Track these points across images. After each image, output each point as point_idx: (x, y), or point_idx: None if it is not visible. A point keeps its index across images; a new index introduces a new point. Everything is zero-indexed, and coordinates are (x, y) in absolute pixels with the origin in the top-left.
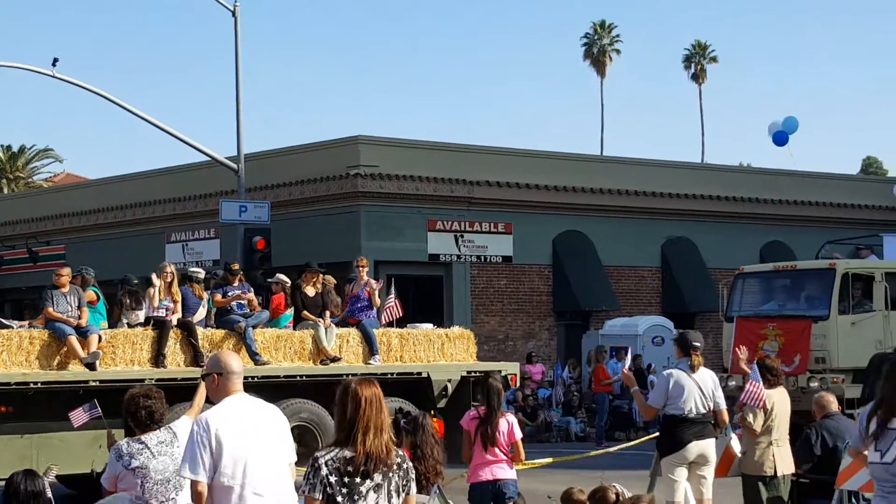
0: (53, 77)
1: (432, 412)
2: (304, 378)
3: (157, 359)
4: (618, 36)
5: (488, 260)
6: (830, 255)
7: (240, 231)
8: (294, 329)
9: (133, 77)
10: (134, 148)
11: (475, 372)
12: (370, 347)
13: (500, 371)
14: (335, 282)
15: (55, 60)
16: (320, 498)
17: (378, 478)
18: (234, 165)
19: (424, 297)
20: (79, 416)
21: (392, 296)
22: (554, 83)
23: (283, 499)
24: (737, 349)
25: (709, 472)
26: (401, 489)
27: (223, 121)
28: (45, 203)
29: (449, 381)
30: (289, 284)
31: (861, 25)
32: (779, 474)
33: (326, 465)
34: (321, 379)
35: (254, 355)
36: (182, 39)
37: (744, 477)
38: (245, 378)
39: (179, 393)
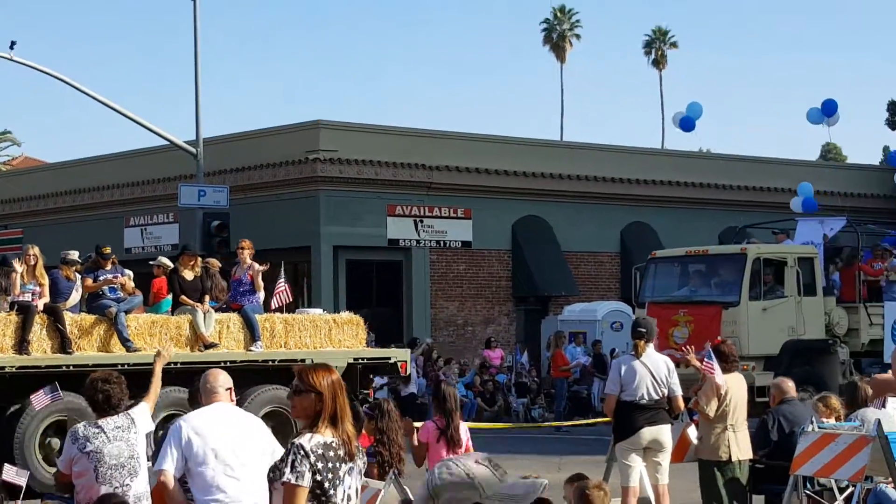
0: (11, 60)
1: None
2: (179, 365)
3: (21, 345)
4: (578, 21)
5: (448, 245)
6: (749, 239)
7: (199, 215)
8: (172, 314)
9: (92, 61)
10: (92, 132)
11: (363, 359)
12: (252, 333)
13: (389, 358)
14: (220, 265)
15: (13, 43)
16: (308, 485)
17: (350, 462)
18: (193, 149)
19: (384, 283)
20: (40, 399)
21: (282, 280)
22: (514, 68)
23: (257, 484)
24: (686, 346)
25: (664, 457)
26: (362, 472)
27: (182, 105)
28: (2, 187)
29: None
30: (170, 268)
31: (820, 12)
32: (735, 459)
33: (313, 451)
34: (198, 366)
35: (125, 341)
36: (141, 23)
37: (700, 462)
38: (115, 365)
39: (44, 381)
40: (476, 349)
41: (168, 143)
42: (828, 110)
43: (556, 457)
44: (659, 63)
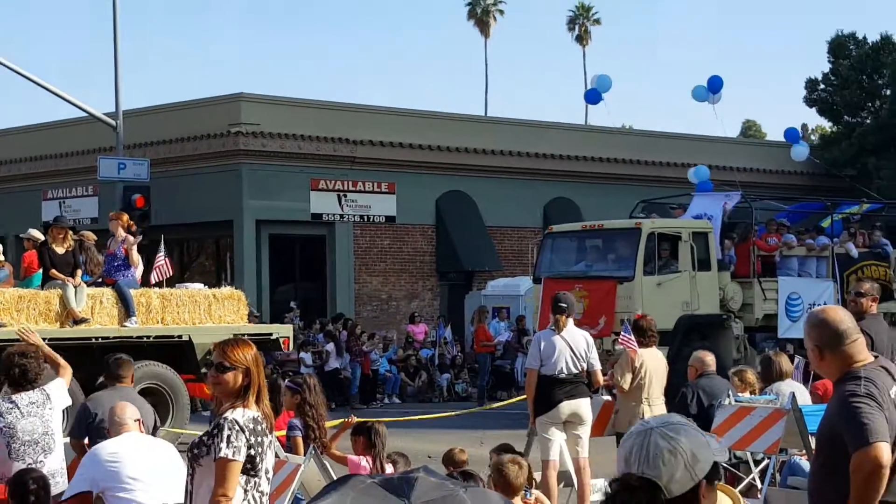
0: None
1: (194, 376)
2: (48, 342)
3: None
4: None
5: (371, 220)
6: (648, 214)
7: (118, 188)
8: (42, 289)
9: (8, 30)
10: (9, 103)
11: (243, 335)
12: (126, 309)
13: (271, 334)
14: (95, 238)
15: None
16: (242, 460)
17: (270, 436)
18: (113, 122)
19: (307, 257)
20: None
21: (161, 254)
22: (438, 43)
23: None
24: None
25: (584, 431)
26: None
27: (102, 76)
28: None
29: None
30: (41, 241)
31: None
32: None
33: (246, 426)
34: (67, 342)
35: None
36: None
37: (617, 436)
38: None
39: None
40: (400, 324)
41: (87, 115)
42: (713, 87)
43: (479, 431)
44: (582, 39)
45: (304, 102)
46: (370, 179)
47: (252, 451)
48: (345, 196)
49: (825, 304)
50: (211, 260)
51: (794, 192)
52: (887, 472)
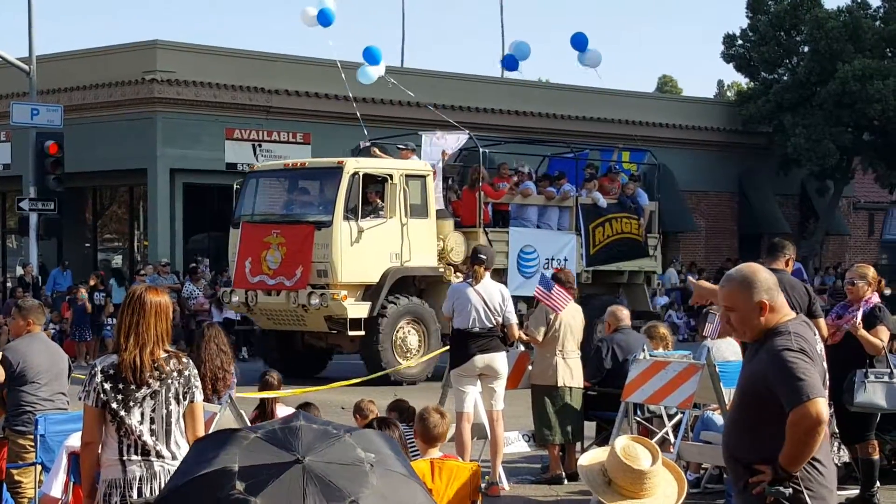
0: None
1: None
2: None
3: None
4: None
5: None
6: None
7: (31, 135)
8: None
9: None
10: None
11: None
12: None
13: None
14: None
15: None
16: (95, 406)
17: (155, 384)
18: (26, 66)
19: (221, 207)
20: None
21: None
22: None
23: None
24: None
25: (499, 384)
26: (181, 396)
27: (15, 20)
28: None
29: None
30: None
31: None
32: (564, 385)
33: (102, 371)
34: None
35: None
36: None
37: (532, 388)
38: None
39: None
40: None
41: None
42: (521, 54)
43: (393, 385)
44: None
45: (221, 51)
46: (285, 129)
47: (104, 397)
48: (260, 146)
49: (565, 259)
50: (124, 208)
51: (710, 149)
52: (825, 428)
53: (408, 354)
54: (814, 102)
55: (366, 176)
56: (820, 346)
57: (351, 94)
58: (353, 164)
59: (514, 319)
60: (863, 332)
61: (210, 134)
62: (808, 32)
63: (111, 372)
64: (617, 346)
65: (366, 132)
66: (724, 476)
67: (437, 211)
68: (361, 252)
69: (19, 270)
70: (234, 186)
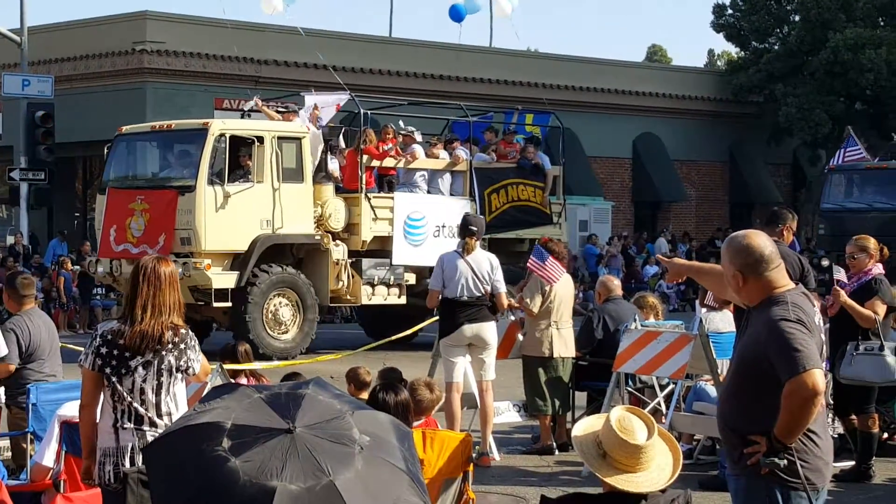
0: None
1: None
2: None
3: None
4: None
5: None
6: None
7: (22, 105)
8: None
9: None
10: None
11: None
12: None
13: None
14: None
15: None
16: (91, 369)
17: (149, 355)
18: (17, 37)
19: None
20: None
21: None
22: None
23: None
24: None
25: (488, 354)
26: (175, 369)
27: None
28: None
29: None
30: None
31: None
32: (557, 356)
33: (101, 336)
34: None
35: None
36: None
37: (524, 358)
38: None
39: None
40: None
41: None
42: (471, 7)
43: (382, 352)
44: None
45: (210, 21)
46: (275, 99)
47: (100, 362)
48: (249, 116)
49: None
50: None
51: (701, 119)
52: (821, 398)
53: (280, 327)
54: (805, 72)
55: (234, 138)
56: (818, 318)
57: (332, 65)
58: (218, 126)
59: (502, 288)
60: (849, 301)
61: (199, 104)
62: (800, 1)
63: (109, 338)
64: (608, 315)
65: (357, 102)
66: (717, 447)
67: (317, 175)
68: (228, 218)
69: (10, 240)
70: (105, 150)
